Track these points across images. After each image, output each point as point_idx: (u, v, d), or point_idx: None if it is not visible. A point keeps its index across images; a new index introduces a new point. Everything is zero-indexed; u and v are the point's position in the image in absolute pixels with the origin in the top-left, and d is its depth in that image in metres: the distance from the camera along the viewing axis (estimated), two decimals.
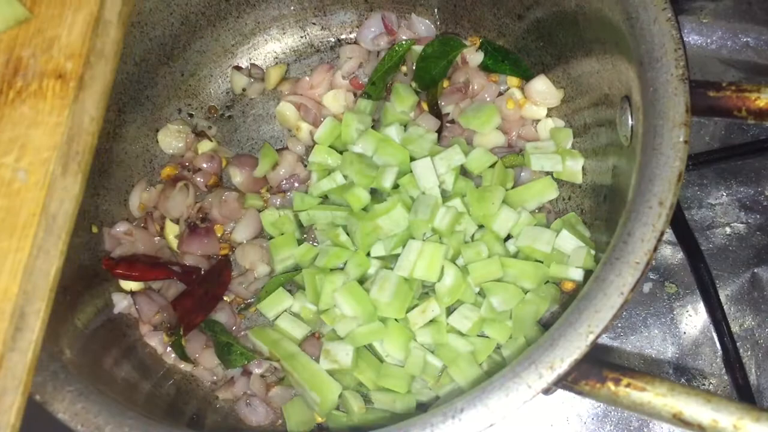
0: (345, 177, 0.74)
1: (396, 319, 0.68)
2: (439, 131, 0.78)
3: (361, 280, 0.69)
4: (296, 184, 0.79)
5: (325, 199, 0.76)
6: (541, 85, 0.76)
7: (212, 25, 0.82)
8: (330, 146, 0.77)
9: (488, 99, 0.78)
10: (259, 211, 0.78)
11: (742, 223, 0.78)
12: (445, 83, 0.81)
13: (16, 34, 0.53)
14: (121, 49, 0.55)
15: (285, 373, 0.70)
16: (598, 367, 0.48)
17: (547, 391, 0.49)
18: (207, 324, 0.73)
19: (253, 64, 0.86)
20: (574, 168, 0.73)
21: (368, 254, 0.71)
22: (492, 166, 0.74)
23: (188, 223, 0.77)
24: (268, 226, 0.76)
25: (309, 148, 0.80)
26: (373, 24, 0.83)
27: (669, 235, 0.76)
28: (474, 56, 0.79)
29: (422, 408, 0.67)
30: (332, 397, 0.66)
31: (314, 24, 0.86)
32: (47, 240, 0.49)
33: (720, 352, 0.72)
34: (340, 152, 0.76)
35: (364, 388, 0.68)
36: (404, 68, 0.82)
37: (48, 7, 0.53)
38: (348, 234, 0.72)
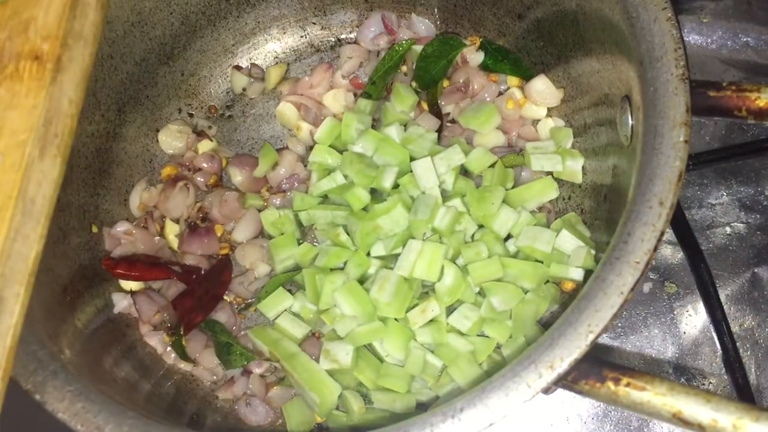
0: (345, 177, 0.74)
1: (396, 319, 0.68)
2: (439, 131, 0.77)
3: (361, 280, 0.69)
4: (296, 184, 0.79)
5: (325, 198, 0.76)
6: (541, 84, 0.76)
7: (212, 24, 0.82)
8: (330, 146, 0.77)
9: (488, 99, 0.78)
10: (259, 211, 0.78)
11: (742, 222, 0.78)
12: (445, 83, 0.81)
13: None
14: (100, 32, 0.54)
15: (285, 374, 0.70)
16: (597, 367, 0.48)
17: (547, 391, 0.49)
18: (207, 324, 0.73)
19: (253, 64, 0.86)
20: (574, 168, 0.73)
21: (368, 254, 0.71)
22: (492, 165, 0.74)
23: (188, 222, 0.77)
24: (268, 226, 0.76)
25: (309, 148, 0.80)
26: (373, 24, 0.83)
27: (669, 234, 0.76)
28: (474, 56, 0.79)
29: (422, 408, 0.67)
30: (332, 397, 0.66)
31: (314, 24, 0.86)
32: (25, 223, 0.48)
33: (720, 352, 0.72)
34: (340, 152, 0.76)
35: (363, 388, 0.68)
36: (404, 68, 0.82)
37: None
38: (348, 234, 0.72)
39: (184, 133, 0.82)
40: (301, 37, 0.86)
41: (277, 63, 0.86)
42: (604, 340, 0.75)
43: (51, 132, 0.50)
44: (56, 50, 0.51)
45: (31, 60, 0.51)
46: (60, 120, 0.51)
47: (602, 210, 0.68)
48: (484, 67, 0.80)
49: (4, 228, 0.47)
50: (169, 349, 0.74)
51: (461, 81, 0.79)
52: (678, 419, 0.46)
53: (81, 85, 0.53)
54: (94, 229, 0.74)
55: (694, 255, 0.72)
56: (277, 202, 0.78)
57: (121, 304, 0.74)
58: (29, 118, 0.49)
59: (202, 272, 0.76)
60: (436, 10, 0.82)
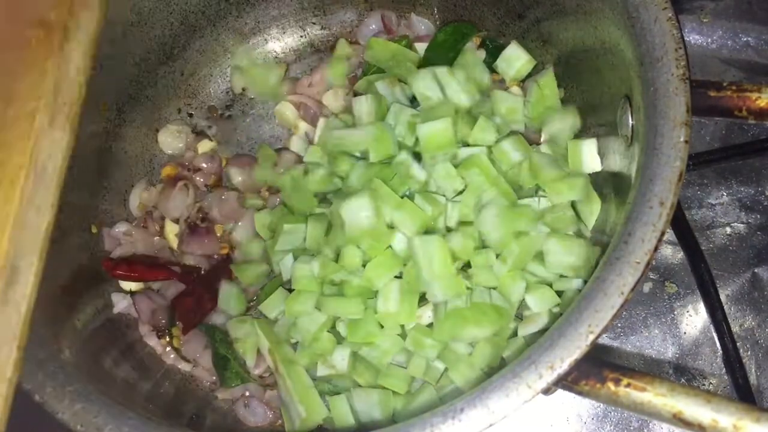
0: (341, 179, 0.74)
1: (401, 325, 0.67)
2: None
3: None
4: None
5: (323, 200, 0.76)
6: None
7: (212, 24, 0.81)
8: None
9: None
10: (259, 210, 0.77)
11: (742, 223, 0.78)
12: None
13: None
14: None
15: (278, 377, 0.69)
16: (598, 367, 0.48)
17: (547, 391, 0.49)
18: (208, 330, 0.73)
19: None
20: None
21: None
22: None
23: (188, 223, 0.77)
24: (260, 228, 0.76)
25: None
26: (373, 22, 0.83)
27: (669, 234, 0.76)
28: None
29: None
30: (317, 417, 0.66)
31: (314, 24, 0.86)
32: (37, 192, 0.48)
33: (720, 352, 0.72)
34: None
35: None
36: None
37: None
38: None
39: (183, 133, 0.82)
40: (301, 37, 0.86)
41: (277, 63, 0.86)
42: (604, 340, 0.75)
43: (60, 100, 0.50)
44: (63, 17, 0.50)
45: (38, 28, 0.50)
46: (69, 88, 0.51)
47: (603, 210, 0.68)
48: (486, 64, 0.79)
49: (15, 197, 0.47)
50: (168, 349, 0.74)
51: None
52: (678, 420, 0.46)
53: (89, 53, 0.52)
54: (94, 230, 0.74)
55: (695, 255, 0.72)
56: (277, 202, 0.78)
57: (120, 304, 0.74)
58: (38, 87, 0.49)
59: (202, 272, 0.76)
60: (435, 9, 0.82)
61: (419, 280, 0.66)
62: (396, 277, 0.66)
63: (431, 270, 0.63)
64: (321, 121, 0.78)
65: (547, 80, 0.73)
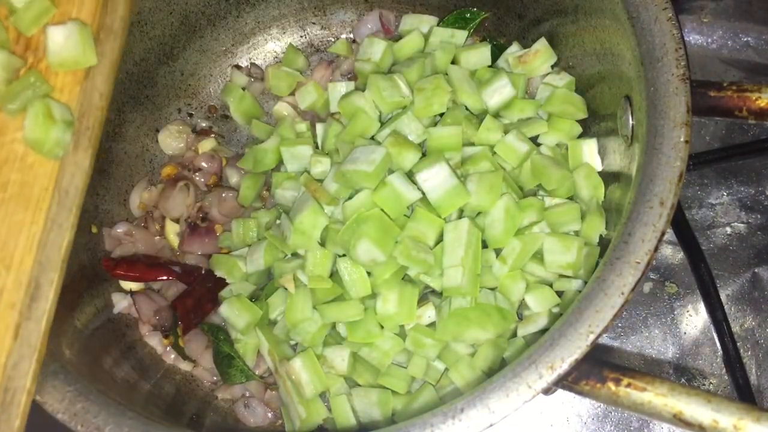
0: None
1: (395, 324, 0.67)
2: None
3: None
4: None
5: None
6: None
7: (212, 24, 0.82)
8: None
9: None
10: (257, 210, 0.77)
11: (742, 222, 0.78)
12: None
13: None
14: (128, 25, 0.57)
15: (278, 377, 0.69)
16: (598, 367, 0.48)
17: (547, 391, 0.49)
18: (210, 328, 0.73)
19: (253, 64, 0.86)
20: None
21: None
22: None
23: (188, 222, 0.77)
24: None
25: None
26: (371, 21, 0.83)
27: (669, 234, 0.76)
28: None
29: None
30: (317, 418, 0.66)
31: (314, 24, 0.86)
32: (60, 213, 0.51)
33: (720, 352, 0.72)
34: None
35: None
36: None
37: None
38: None
39: (183, 133, 0.82)
40: (301, 37, 0.86)
41: (277, 63, 0.86)
42: (605, 340, 0.75)
43: (84, 125, 0.53)
44: None
45: None
46: (92, 113, 0.54)
47: (603, 210, 0.68)
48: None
49: (41, 219, 0.51)
50: (168, 349, 0.74)
51: None
52: (679, 420, 0.46)
53: (110, 78, 0.55)
54: (94, 230, 0.74)
55: (695, 255, 0.72)
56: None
57: (121, 304, 0.74)
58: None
59: (203, 272, 0.76)
60: (436, 10, 0.82)
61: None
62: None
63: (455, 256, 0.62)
64: (319, 127, 0.77)
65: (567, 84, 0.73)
